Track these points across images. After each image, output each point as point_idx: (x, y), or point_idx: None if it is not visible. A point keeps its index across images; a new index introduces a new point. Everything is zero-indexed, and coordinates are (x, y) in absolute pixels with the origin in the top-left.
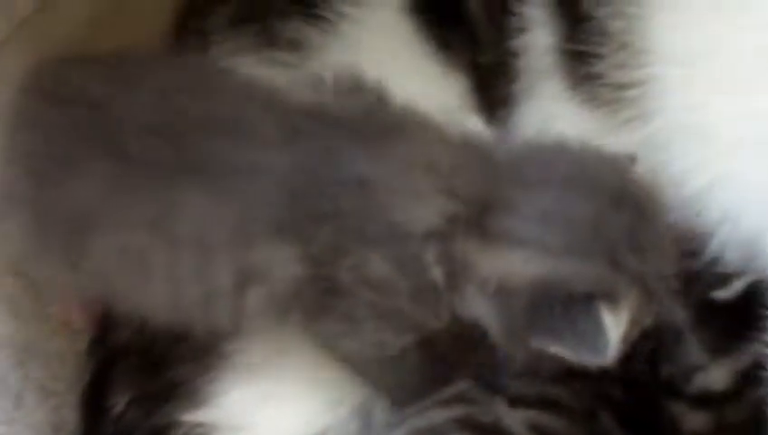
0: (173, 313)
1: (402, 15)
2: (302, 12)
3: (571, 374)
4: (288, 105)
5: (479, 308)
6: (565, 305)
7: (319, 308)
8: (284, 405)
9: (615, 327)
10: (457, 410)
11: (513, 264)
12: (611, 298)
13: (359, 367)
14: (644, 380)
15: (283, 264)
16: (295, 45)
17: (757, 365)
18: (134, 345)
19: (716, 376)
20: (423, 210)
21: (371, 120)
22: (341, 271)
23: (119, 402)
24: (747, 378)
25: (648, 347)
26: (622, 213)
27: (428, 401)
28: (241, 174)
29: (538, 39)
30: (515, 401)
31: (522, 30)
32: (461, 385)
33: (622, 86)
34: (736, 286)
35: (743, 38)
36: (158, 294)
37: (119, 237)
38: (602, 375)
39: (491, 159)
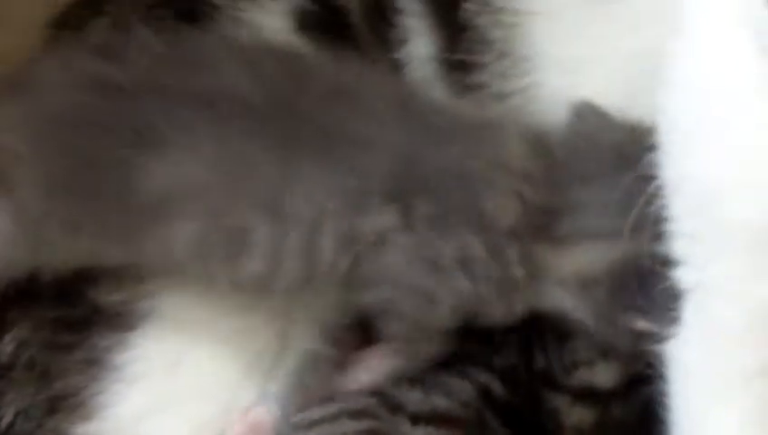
0: (262, 288)
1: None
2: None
3: (453, 373)
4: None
5: (564, 302)
6: (641, 281)
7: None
8: (173, 416)
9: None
10: (366, 424)
11: (588, 257)
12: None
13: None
14: (519, 372)
15: (388, 233)
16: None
17: (649, 367)
18: (20, 358)
19: (604, 374)
20: (505, 209)
21: (467, 115)
22: (446, 247)
23: (6, 414)
24: (638, 378)
25: (519, 339)
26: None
27: (336, 410)
28: (357, 146)
29: (419, 49)
30: (415, 419)
31: (403, 41)
32: (364, 400)
33: (505, 94)
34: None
35: (619, 44)
36: (251, 270)
37: (215, 219)
38: (481, 371)
39: (553, 160)
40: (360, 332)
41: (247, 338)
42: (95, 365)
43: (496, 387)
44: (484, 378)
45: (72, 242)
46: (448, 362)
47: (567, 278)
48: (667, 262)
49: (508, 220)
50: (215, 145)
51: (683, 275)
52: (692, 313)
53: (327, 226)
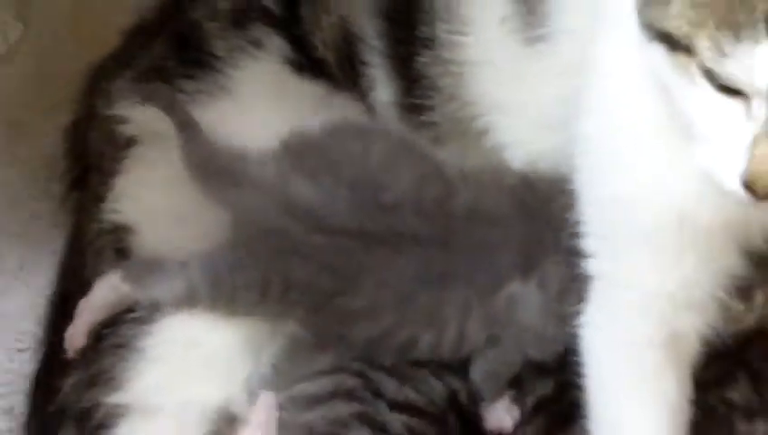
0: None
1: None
2: (193, 72)
3: (430, 373)
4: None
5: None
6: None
7: None
8: (185, 389)
9: None
10: (356, 407)
11: None
12: None
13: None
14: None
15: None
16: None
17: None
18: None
19: (545, 385)
20: None
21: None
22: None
23: (64, 386)
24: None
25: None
26: None
27: (331, 388)
28: (489, 250)
29: (383, 95)
30: (393, 406)
31: (370, 88)
32: (352, 381)
33: (454, 131)
34: None
35: (548, 89)
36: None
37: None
38: (454, 378)
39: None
40: None
41: (247, 327)
42: (123, 348)
43: (463, 396)
44: (456, 385)
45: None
46: (427, 363)
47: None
48: (579, 255)
49: None
50: (393, 276)
51: (592, 266)
52: (598, 296)
53: (472, 317)
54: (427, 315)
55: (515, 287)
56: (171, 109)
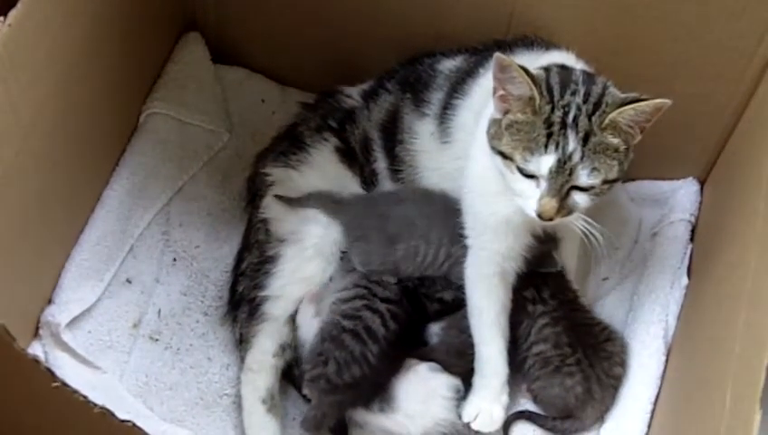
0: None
1: (334, 156)
2: (294, 150)
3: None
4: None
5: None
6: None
7: None
8: (307, 268)
9: None
10: (364, 302)
11: None
12: None
13: None
14: (417, 293)
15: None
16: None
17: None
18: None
19: (448, 295)
20: None
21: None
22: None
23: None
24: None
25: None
26: None
27: (353, 293)
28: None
29: (380, 165)
30: (382, 300)
31: (375, 161)
32: (361, 289)
33: (412, 180)
34: None
35: (452, 163)
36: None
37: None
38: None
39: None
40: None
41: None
42: (267, 264)
43: (411, 286)
44: (412, 284)
45: None
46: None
47: None
48: (463, 236)
49: None
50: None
51: (468, 241)
52: (471, 254)
53: (441, 249)
54: (423, 235)
55: (450, 248)
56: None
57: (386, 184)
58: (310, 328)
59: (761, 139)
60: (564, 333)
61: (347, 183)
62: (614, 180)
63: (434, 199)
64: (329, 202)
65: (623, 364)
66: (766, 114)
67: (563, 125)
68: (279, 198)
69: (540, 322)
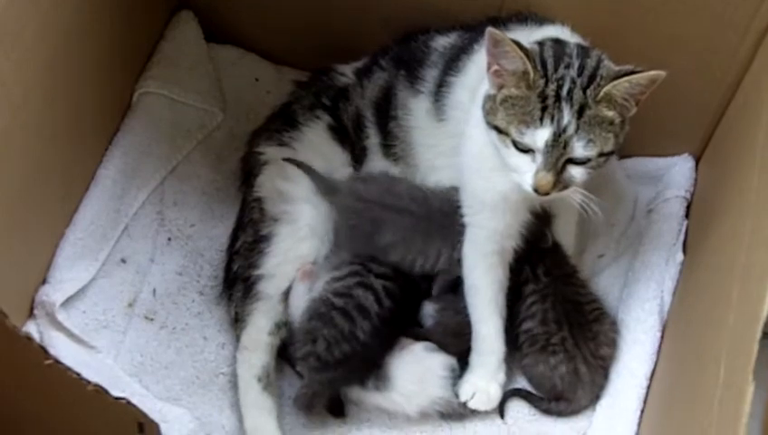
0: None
1: (326, 134)
2: (287, 127)
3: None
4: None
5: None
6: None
7: None
8: (300, 248)
9: None
10: (357, 279)
11: None
12: None
13: None
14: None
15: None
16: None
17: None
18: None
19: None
20: None
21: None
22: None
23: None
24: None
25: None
26: None
27: (347, 270)
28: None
29: (373, 141)
30: (376, 275)
31: (367, 137)
32: (357, 266)
33: (404, 157)
34: None
35: (444, 141)
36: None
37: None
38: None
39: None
40: None
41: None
42: (261, 243)
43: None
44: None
45: None
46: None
47: None
48: (461, 215)
49: None
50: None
51: (467, 219)
52: (470, 232)
53: (441, 258)
54: (421, 250)
55: (451, 252)
56: (301, 166)
57: (376, 161)
58: (300, 306)
59: (755, 113)
60: (552, 310)
61: (338, 161)
62: (610, 153)
63: (431, 206)
64: (326, 184)
65: (611, 345)
66: (761, 89)
67: (558, 98)
68: (288, 160)
69: (529, 299)
